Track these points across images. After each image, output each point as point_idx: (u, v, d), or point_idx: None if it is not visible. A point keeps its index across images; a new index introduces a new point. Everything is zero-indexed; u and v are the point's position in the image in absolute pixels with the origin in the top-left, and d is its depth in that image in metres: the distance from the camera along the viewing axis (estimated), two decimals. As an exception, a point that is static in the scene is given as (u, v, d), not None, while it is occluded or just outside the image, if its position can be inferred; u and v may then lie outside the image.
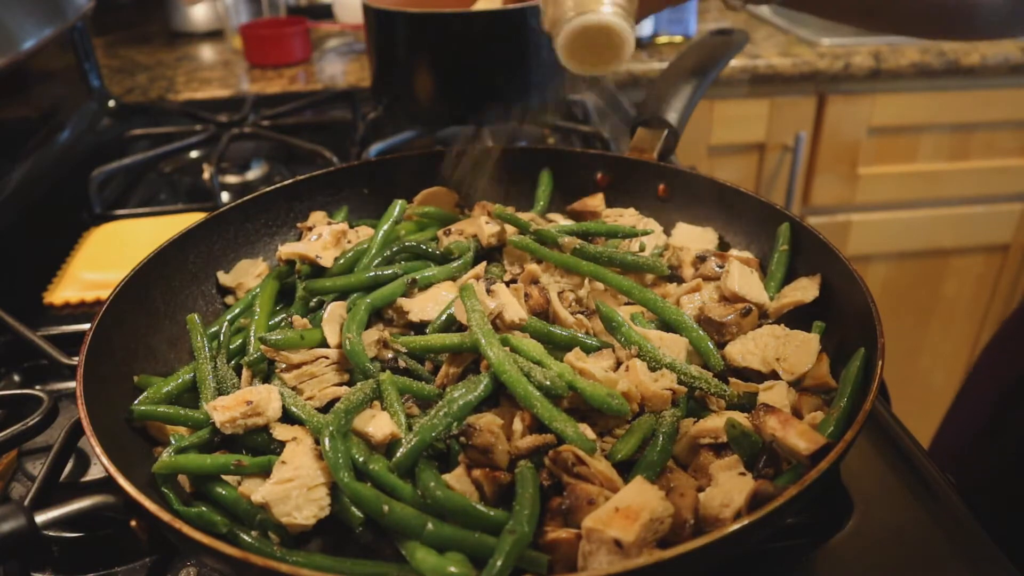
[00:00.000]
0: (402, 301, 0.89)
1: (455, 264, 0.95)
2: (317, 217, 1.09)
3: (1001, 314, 2.61)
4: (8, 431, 0.77)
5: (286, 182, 1.09)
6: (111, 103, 1.78)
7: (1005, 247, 2.50)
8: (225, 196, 1.51)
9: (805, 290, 0.89)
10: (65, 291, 1.15)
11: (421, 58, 1.46)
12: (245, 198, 1.05)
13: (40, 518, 0.61)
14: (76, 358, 0.75)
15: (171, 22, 2.55)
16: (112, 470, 0.62)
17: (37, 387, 0.88)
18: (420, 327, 0.87)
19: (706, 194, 1.07)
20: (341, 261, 0.96)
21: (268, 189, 1.08)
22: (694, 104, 1.17)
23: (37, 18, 1.38)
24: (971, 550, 0.71)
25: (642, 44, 2.28)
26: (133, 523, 0.64)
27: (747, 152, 2.32)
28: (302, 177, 1.11)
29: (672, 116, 1.14)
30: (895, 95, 2.25)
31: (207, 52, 2.41)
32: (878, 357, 0.70)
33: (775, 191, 2.36)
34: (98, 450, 0.64)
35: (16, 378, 0.99)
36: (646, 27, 2.26)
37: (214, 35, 2.54)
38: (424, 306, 0.88)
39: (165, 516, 0.58)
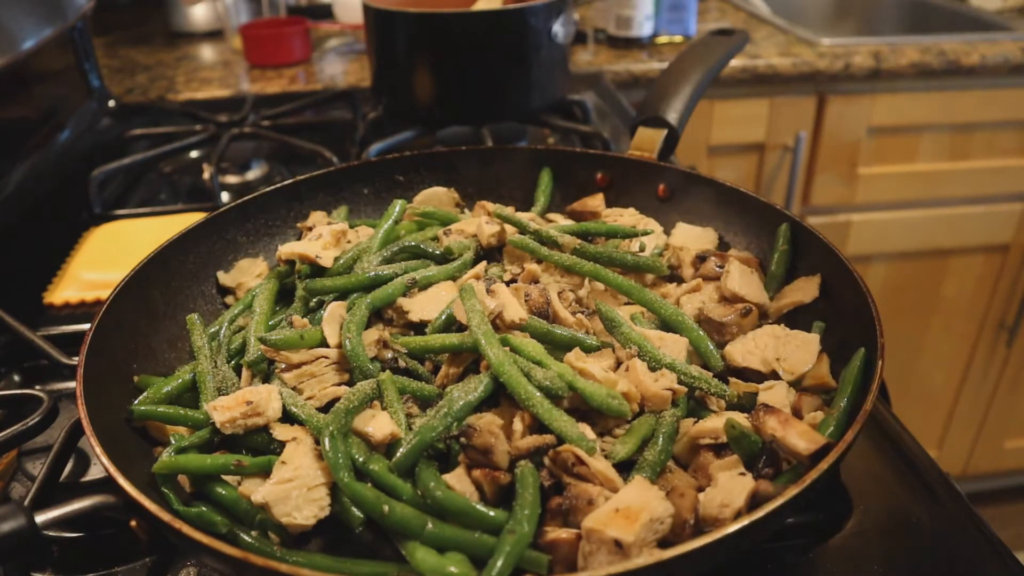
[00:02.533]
0: (402, 301, 0.89)
1: (455, 264, 0.95)
2: (317, 217, 1.09)
3: (1001, 314, 2.61)
4: (8, 431, 0.77)
5: (286, 182, 1.09)
6: (111, 103, 1.78)
7: (1005, 247, 2.50)
8: (225, 196, 1.51)
9: (805, 290, 0.89)
10: (65, 291, 1.15)
11: (421, 58, 1.46)
12: (245, 198, 1.05)
13: (40, 518, 0.61)
14: (76, 358, 0.75)
15: (171, 22, 2.55)
16: (112, 470, 0.62)
17: (37, 387, 0.88)
18: (420, 327, 0.87)
19: (706, 194, 1.07)
20: (341, 261, 0.96)
21: (268, 189, 1.08)
22: (694, 104, 1.18)
23: (37, 18, 1.38)
24: (972, 549, 0.71)
25: (642, 44, 2.28)
26: (133, 523, 0.64)
27: (747, 152, 2.32)
28: (302, 177, 1.11)
29: (672, 116, 1.14)
30: (895, 95, 2.25)
31: (207, 52, 2.41)
32: (878, 357, 0.70)
33: (775, 191, 2.36)
34: (98, 450, 0.64)
35: (16, 378, 0.99)
36: (646, 27, 2.26)
37: (214, 35, 2.54)
38: (424, 306, 0.88)
39: (165, 516, 0.58)
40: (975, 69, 2.20)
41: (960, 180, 2.39)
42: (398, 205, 1.04)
